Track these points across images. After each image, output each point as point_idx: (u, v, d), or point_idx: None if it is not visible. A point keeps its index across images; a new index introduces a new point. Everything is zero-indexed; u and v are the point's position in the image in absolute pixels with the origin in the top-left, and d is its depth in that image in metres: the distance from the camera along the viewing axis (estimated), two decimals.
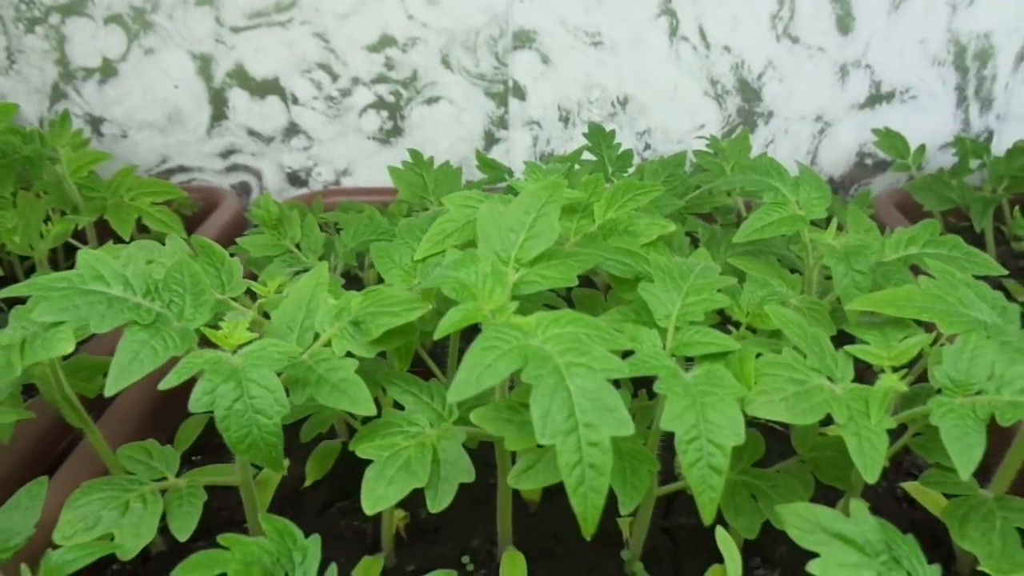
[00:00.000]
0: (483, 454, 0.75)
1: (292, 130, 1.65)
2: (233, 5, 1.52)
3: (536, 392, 0.54)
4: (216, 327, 0.68)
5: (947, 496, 0.76)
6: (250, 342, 0.66)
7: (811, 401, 0.63)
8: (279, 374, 0.63)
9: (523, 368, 0.56)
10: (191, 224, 1.45)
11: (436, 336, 0.61)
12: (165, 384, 0.61)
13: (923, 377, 0.78)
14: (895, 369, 0.70)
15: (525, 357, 0.56)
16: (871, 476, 0.60)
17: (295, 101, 1.62)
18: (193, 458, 0.98)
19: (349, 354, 0.69)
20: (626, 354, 0.64)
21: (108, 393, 0.59)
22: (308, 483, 0.94)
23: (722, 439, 0.59)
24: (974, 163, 1.50)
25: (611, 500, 0.61)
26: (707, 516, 0.58)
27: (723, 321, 0.81)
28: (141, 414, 0.95)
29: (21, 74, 1.57)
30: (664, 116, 1.63)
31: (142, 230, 1.35)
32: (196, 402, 0.60)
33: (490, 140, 1.66)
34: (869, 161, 1.69)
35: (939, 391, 0.66)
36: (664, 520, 0.89)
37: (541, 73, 1.58)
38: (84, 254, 0.67)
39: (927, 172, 1.53)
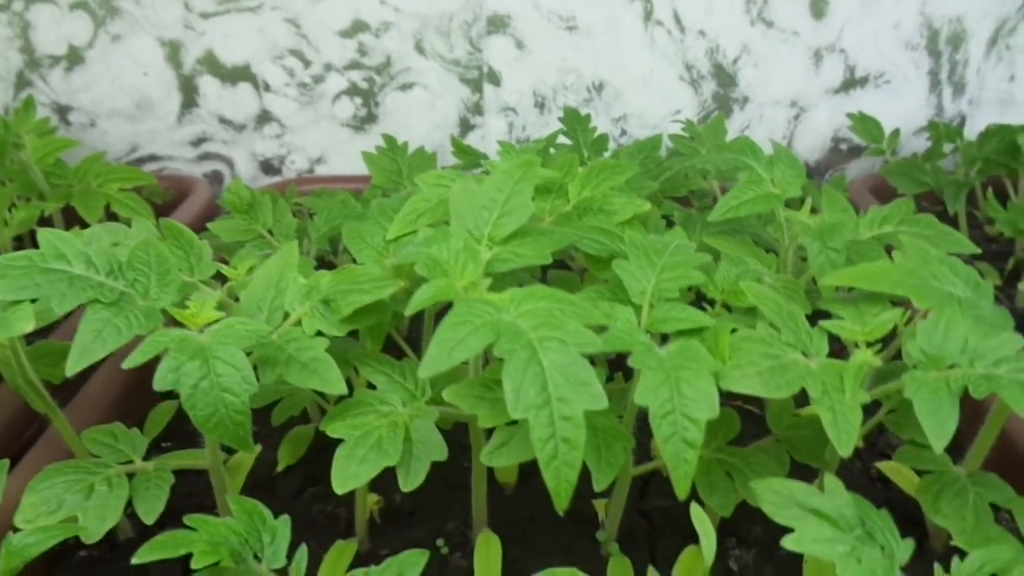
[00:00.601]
0: (457, 437, 0.74)
1: (264, 117, 1.63)
2: None
3: (508, 366, 0.54)
4: (183, 307, 0.67)
5: (920, 474, 0.77)
6: (217, 321, 0.65)
7: (785, 376, 0.63)
8: (248, 353, 0.62)
9: (495, 343, 0.55)
10: (163, 213, 1.42)
11: (407, 312, 0.60)
12: (129, 363, 0.59)
13: (898, 356, 0.78)
14: (869, 344, 0.70)
15: (497, 332, 0.56)
16: (845, 450, 0.59)
17: (267, 88, 1.59)
18: (163, 444, 0.96)
19: (320, 333, 0.68)
20: (601, 332, 0.63)
21: (69, 372, 0.58)
22: (280, 468, 0.93)
23: (696, 413, 0.58)
24: (947, 147, 1.51)
25: (587, 482, 0.61)
26: (681, 491, 0.58)
27: (698, 299, 0.81)
28: (111, 400, 0.94)
29: None
30: (640, 102, 1.62)
31: (111, 217, 1.32)
32: (160, 380, 0.58)
33: (465, 127, 1.64)
34: (844, 146, 1.69)
35: (913, 367, 0.65)
36: (640, 502, 0.89)
37: (516, 58, 1.57)
38: (45, 233, 0.65)
39: (901, 157, 1.54)
